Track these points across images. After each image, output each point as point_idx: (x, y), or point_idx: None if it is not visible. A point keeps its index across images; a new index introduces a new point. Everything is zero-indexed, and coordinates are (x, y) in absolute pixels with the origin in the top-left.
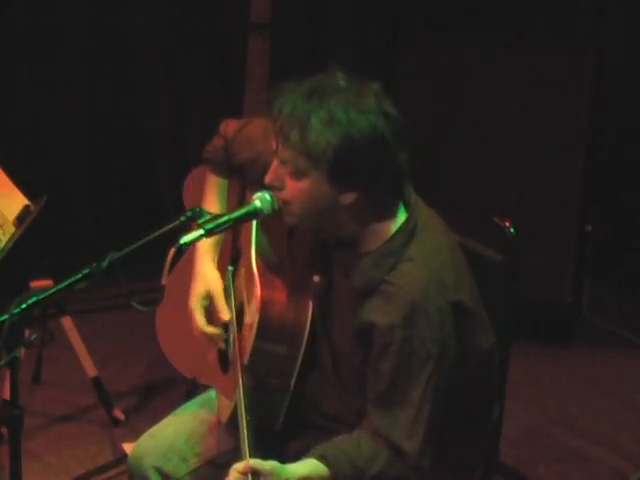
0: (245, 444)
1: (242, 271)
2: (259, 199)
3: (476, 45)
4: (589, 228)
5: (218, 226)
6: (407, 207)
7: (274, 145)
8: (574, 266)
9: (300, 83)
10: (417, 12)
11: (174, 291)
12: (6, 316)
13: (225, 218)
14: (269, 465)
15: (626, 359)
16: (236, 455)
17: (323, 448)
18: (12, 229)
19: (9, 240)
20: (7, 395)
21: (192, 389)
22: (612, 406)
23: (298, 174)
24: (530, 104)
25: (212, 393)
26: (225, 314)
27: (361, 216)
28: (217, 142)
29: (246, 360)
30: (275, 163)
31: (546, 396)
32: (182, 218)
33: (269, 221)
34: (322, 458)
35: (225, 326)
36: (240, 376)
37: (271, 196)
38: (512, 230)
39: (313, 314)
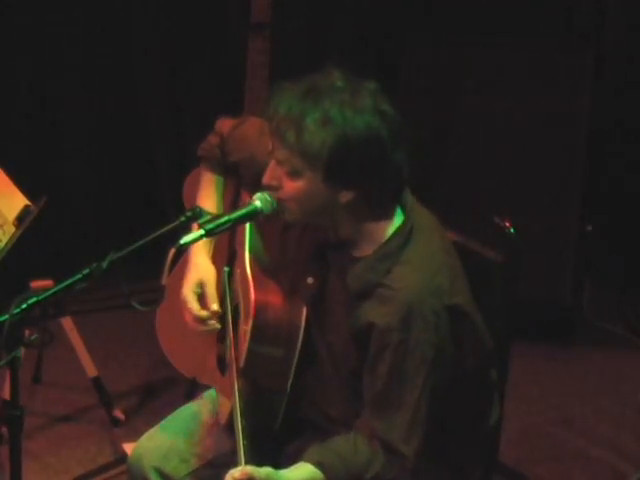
0: (241, 450)
1: (238, 272)
2: (259, 199)
3: (476, 45)
4: (589, 228)
5: (218, 226)
6: (404, 209)
7: (270, 145)
8: (574, 266)
9: (297, 83)
10: (417, 12)
11: (174, 291)
12: (6, 316)
13: (225, 218)
14: (264, 472)
15: (626, 359)
16: (234, 457)
17: (320, 453)
18: (12, 229)
19: (9, 240)
20: (7, 395)
21: (192, 389)
22: (612, 406)
23: (295, 174)
24: (530, 104)
25: (212, 393)
26: (214, 303)
27: (358, 215)
28: (212, 140)
29: (242, 363)
30: (272, 163)
31: (546, 396)
32: (182, 218)
33: (264, 224)
34: (319, 465)
35: (214, 316)
36: (235, 381)
37: (271, 196)
38: (512, 230)
39: (307, 316)
